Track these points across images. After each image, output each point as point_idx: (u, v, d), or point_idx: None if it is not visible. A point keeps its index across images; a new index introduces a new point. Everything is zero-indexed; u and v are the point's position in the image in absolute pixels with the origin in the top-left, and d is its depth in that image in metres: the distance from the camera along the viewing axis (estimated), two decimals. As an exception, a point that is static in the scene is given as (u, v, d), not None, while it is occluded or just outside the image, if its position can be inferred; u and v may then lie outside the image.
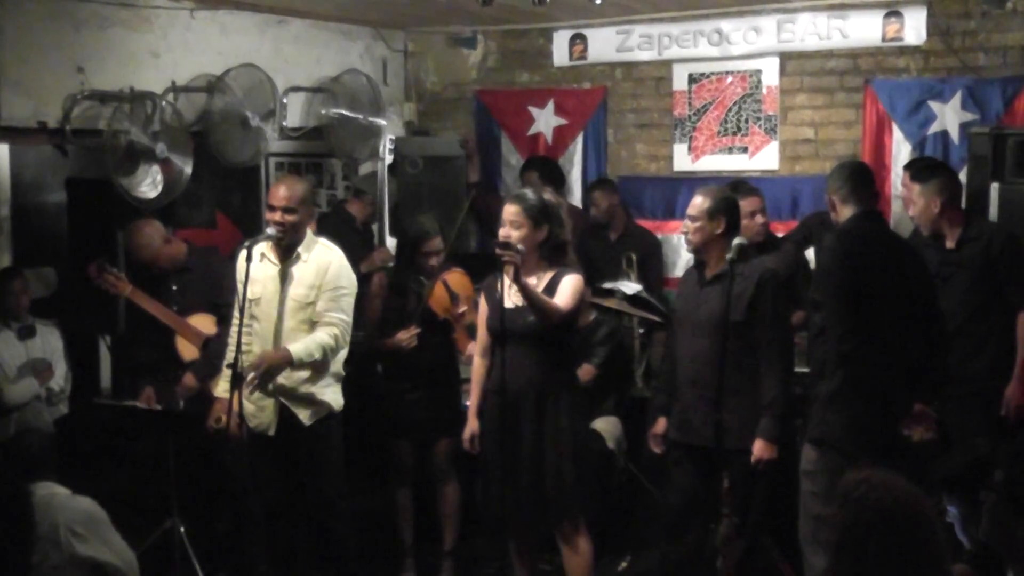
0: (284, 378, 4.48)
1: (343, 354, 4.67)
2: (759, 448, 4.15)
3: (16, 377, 5.28)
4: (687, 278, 4.55)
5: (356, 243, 6.06)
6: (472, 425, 4.43)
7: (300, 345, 4.43)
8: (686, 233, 4.36)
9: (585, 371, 5.34)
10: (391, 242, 6.17)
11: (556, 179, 6.70)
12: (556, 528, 4.30)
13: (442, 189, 6.42)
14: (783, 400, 4.20)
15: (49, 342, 5.44)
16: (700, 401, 4.25)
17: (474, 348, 4.90)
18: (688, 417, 4.33)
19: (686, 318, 4.41)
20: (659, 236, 6.78)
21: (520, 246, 4.08)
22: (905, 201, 5.70)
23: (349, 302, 4.59)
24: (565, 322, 4.19)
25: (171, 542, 4.86)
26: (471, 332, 4.98)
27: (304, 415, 4.54)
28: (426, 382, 5.05)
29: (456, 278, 5.11)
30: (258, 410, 4.54)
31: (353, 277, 4.66)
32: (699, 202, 4.30)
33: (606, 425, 5.50)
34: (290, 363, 4.41)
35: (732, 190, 5.42)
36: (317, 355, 4.45)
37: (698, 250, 4.36)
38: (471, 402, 4.48)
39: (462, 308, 5.04)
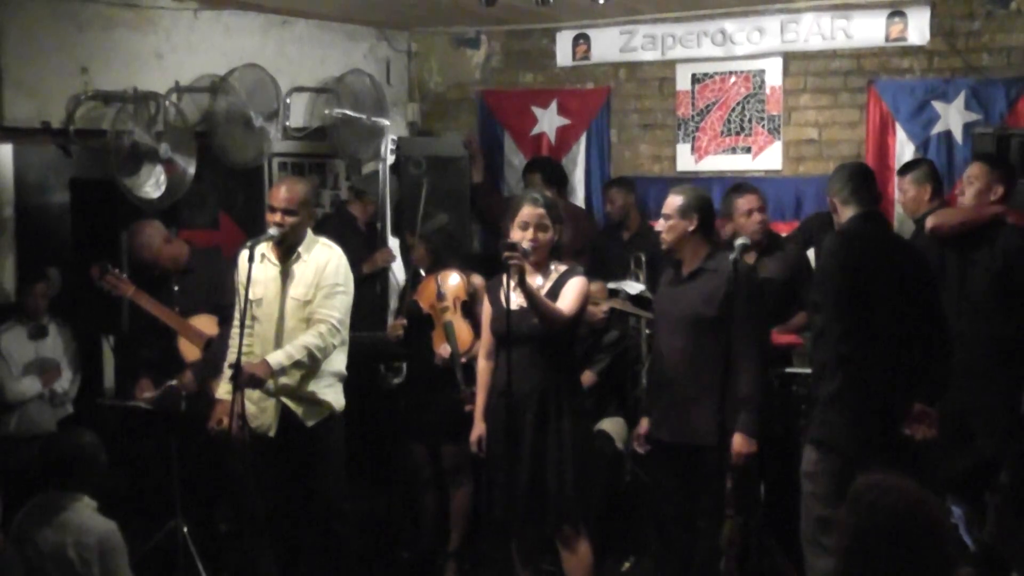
0: (287, 377, 4.47)
1: (343, 353, 4.66)
2: (738, 443, 4.15)
3: (20, 374, 5.28)
4: (665, 277, 4.58)
5: (358, 244, 6.05)
6: (479, 428, 4.41)
7: (280, 353, 4.38)
8: (660, 232, 4.41)
9: (586, 377, 5.32)
10: (393, 242, 6.16)
11: (559, 180, 6.70)
12: (556, 531, 4.30)
13: (445, 190, 6.42)
14: (760, 395, 4.20)
15: (59, 343, 5.44)
16: (678, 398, 4.28)
17: (445, 349, 4.93)
18: (667, 415, 4.35)
19: (663, 316, 4.46)
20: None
21: (526, 246, 4.08)
22: (904, 204, 5.70)
23: (343, 300, 4.55)
24: (569, 326, 4.18)
25: (175, 542, 4.87)
26: (446, 331, 4.98)
27: (306, 416, 4.53)
28: (431, 385, 5.05)
29: (453, 278, 5.10)
30: (259, 411, 4.53)
31: (351, 276, 4.64)
32: (671, 200, 4.36)
33: (613, 426, 5.49)
34: (270, 372, 4.33)
35: (733, 190, 5.45)
36: (299, 356, 4.37)
37: (672, 248, 4.40)
38: (477, 404, 4.46)
39: (444, 305, 5.03)
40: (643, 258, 6.16)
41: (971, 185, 4.80)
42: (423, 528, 5.33)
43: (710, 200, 4.47)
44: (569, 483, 4.18)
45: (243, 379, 4.27)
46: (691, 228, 4.31)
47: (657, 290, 4.68)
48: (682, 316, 4.30)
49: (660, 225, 4.41)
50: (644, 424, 4.52)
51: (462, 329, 4.99)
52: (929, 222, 4.78)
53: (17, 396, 5.26)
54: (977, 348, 4.61)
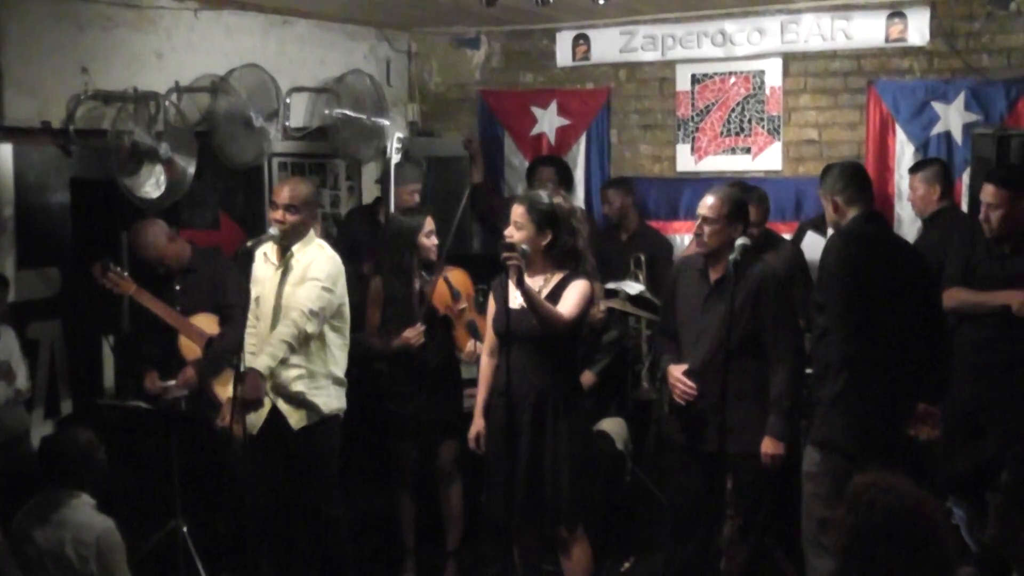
0: (280, 375, 4.45)
1: (342, 357, 4.65)
2: (767, 445, 4.14)
3: None
4: (686, 279, 4.44)
5: (371, 241, 6.06)
6: (478, 424, 4.41)
7: (263, 357, 4.38)
8: (700, 235, 4.23)
9: (586, 377, 5.31)
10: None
11: (566, 178, 6.72)
12: (552, 533, 4.29)
13: (445, 190, 6.42)
14: (791, 397, 4.17)
15: (10, 343, 5.30)
16: (705, 406, 4.24)
17: (473, 346, 4.93)
18: (692, 422, 4.31)
19: (690, 323, 4.36)
20: (662, 236, 6.78)
21: (524, 247, 4.07)
22: (912, 203, 5.69)
23: (322, 295, 4.49)
24: (568, 329, 4.16)
25: (175, 543, 4.86)
26: (471, 330, 4.98)
27: (293, 418, 4.51)
28: (430, 383, 5.04)
29: (457, 275, 5.12)
30: (254, 412, 4.50)
31: (335, 272, 4.59)
32: (715, 203, 4.20)
33: (614, 426, 5.49)
34: (260, 379, 4.33)
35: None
36: (281, 352, 4.37)
37: (712, 253, 4.25)
38: (477, 401, 4.45)
39: (462, 305, 5.03)
40: (642, 258, 6.16)
41: (995, 211, 4.51)
42: (405, 527, 5.26)
43: (747, 202, 4.40)
44: (565, 485, 4.17)
45: (246, 402, 4.27)
46: (736, 235, 4.16)
47: (679, 293, 4.48)
48: (710, 325, 4.22)
49: (700, 229, 4.22)
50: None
51: (483, 325, 5.00)
52: (947, 304, 4.58)
53: None
54: (991, 348, 4.59)
